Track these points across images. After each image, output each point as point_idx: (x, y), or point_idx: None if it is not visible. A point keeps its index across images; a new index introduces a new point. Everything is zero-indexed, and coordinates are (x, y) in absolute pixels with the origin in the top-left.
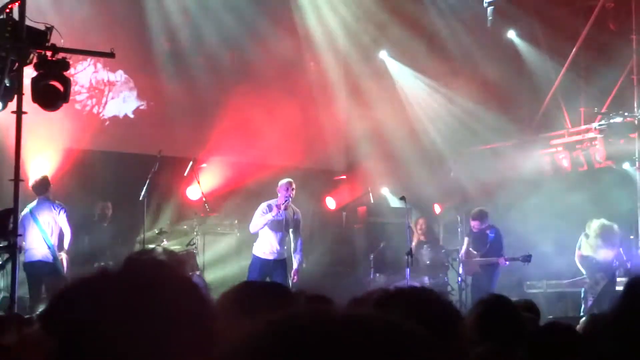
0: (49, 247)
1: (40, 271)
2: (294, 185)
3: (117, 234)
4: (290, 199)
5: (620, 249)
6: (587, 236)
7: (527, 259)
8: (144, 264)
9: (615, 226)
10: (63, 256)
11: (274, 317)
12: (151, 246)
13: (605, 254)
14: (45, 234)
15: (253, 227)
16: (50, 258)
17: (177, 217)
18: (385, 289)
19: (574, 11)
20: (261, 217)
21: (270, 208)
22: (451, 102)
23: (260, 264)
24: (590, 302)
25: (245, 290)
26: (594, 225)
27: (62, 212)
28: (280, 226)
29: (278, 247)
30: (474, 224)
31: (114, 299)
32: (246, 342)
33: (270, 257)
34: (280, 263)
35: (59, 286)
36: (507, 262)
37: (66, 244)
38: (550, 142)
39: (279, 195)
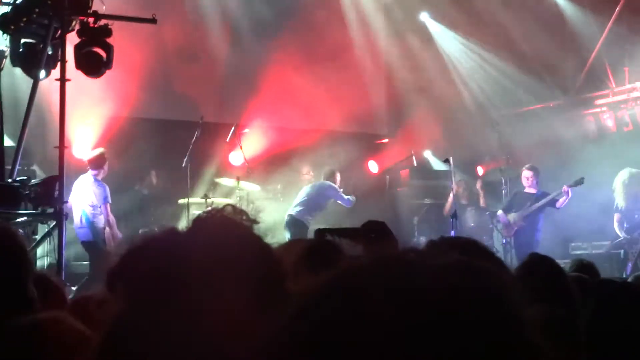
0: (86, 224)
1: (84, 248)
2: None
3: (161, 201)
4: None
5: None
6: (614, 191)
7: (580, 181)
8: (213, 223)
9: None
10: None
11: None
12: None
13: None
14: (78, 207)
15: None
16: (90, 237)
17: (220, 182)
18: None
19: None
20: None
21: None
22: (493, 65)
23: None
24: (629, 264)
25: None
26: (621, 176)
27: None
28: None
29: None
30: (528, 175)
31: (183, 257)
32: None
33: None
34: None
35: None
36: (569, 190)
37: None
38: (594, 103)
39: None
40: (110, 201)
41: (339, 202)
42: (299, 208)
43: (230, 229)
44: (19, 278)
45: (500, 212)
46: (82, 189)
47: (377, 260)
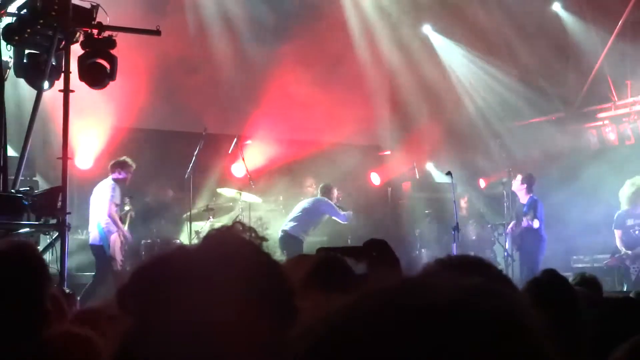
0: (97, 229)
1: (92, 252)
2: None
3: (164, 212)
4: None
5: None
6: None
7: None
8: (223, 240)
9: None
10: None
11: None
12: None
13: None
14: (92, 215)
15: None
16: (97, 241)
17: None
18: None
19: None
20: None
21: None
22: (496, 78)
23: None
24: (634, 277)
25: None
26: (625, 188)
27: (108, 191)
28: None
29: None
30: (517, 183)
31: (192, 275)
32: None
33: None
34: None
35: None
36: (530, 222)
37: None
38: (596, 116)
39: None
40: (116, 201)
41: (334, 218)
42: (292, 224)
43: (239, 246)
44: (39, 292)
45: (512, 223)
46: (97, 193)
47: (405, 283)
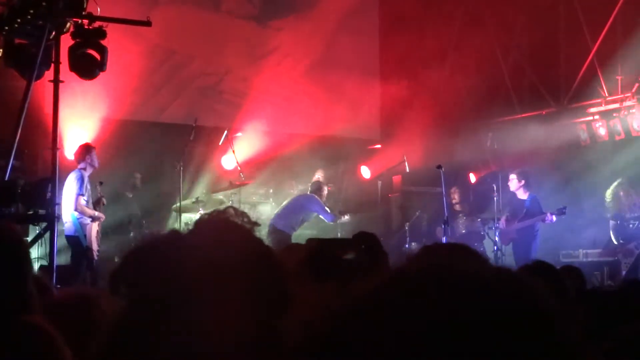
0: (71, 219)
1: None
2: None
3: (154, 204)
4: None
5: None
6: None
7: (562, 211)
8: (215, 225)
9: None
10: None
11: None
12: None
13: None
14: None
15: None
16: (72, 231)
17: (212, 186)
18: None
19: None
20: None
21: None
22: (486, 72)
23: None
24: (623, 273)
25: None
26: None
27: (75, 183)
28: None
29: None
30: (513, 179)
31: (185, 259)
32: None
33: None
34: None
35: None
36: (553, 217)
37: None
38: (586, 111)
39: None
40: (82, 192)
41: (321, 216)
42: (280, 218)
43: (232, 231)
44: (19, 275)
45: (503, 218)
46: (66, 184)
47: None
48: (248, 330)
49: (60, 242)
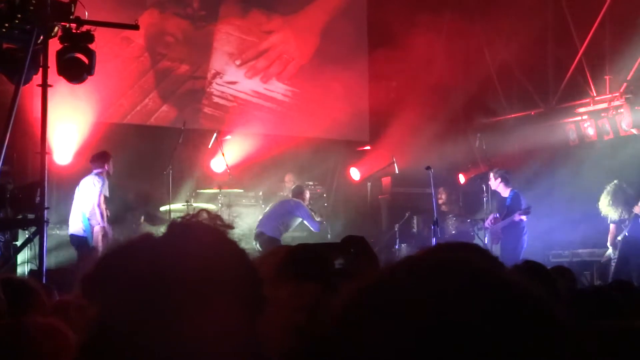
0: (82, 221)
1: (72, 243)
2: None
3: (142, 206)
4: None
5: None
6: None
7: (527, 211)
8: (188, 228)
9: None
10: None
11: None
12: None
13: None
14: (77, 207)
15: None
16: (81, 232)
17: (201, 189)
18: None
19: None
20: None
21: None
22: (475, 73)
23: None
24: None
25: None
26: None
27: (96, 183)
28: None
29: None
30: (491, 179)
31: (158, 262)
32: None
33: None
34: None
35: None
36: (523, 217)
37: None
38: (575, 111)
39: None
40: (106, 194)
41: (306, 223)
42: (267, 222)
43: (205, 234)
44: None
45: (489, 218)
46: (84, 185)
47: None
48: (225, 332)
49: (49, 243)
